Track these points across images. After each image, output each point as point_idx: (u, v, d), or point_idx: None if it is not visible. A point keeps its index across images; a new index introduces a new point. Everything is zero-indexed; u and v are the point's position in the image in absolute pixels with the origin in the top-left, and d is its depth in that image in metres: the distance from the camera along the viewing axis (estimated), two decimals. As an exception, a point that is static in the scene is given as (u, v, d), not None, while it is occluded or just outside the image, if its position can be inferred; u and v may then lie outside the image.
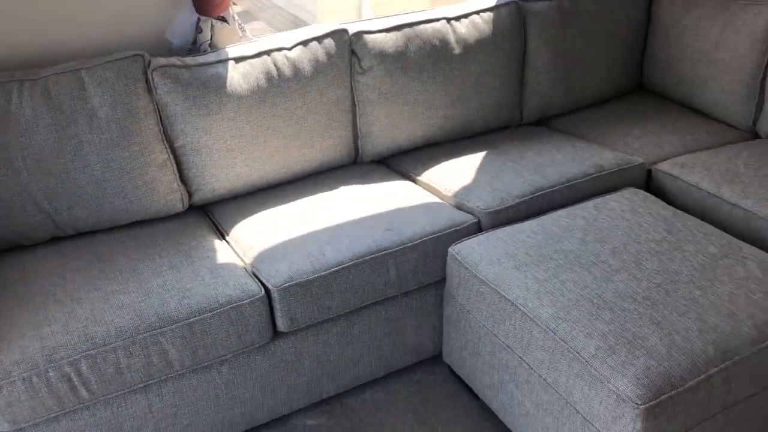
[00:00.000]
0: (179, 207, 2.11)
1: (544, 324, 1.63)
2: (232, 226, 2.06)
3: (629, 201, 2.07)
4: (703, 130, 2.57)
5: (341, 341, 1.97)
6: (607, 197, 2.11)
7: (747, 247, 1.83)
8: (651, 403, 1.41)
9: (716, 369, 1.49)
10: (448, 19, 2.42)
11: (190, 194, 2.14)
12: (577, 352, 1.54)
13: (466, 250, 1.91)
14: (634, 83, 2.92)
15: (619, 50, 2.75)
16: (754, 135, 2.57)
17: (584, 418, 1.55)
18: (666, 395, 1.43)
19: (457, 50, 2.39)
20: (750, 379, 1.55)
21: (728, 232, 2.12)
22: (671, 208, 2.04)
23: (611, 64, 2.75)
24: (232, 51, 2.15)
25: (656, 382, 1.43)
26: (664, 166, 2.33)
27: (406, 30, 2.34)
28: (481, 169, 2.28)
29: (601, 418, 1.50)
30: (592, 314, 1.60)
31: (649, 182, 2.38)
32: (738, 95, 2.53)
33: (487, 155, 2.38)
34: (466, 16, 2.45)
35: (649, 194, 2.14)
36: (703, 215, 2.19)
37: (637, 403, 1.41)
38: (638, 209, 2.02)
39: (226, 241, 2.03)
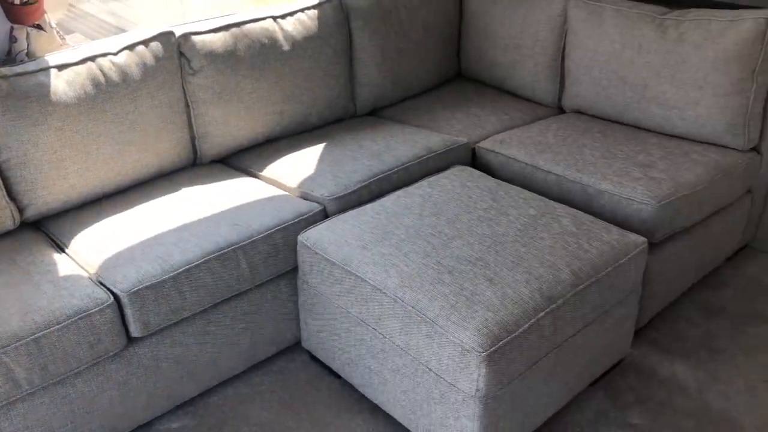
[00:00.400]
0: (10, 225, 2.01)
1: (393, 293, 1.74)
2: (71, 238, 2.00)
3: (458, 177, 2.25)
4: (517, 109, 2.83)
5: (199, 340, 1.97)
6: (439, 176, 2.28)
7: (561, 207, 2.07)
8: (491, 350, 1.57)
9: (543, 313, 1.68)
10: (275, 18, 2.48)
11: (21, 210, 2.04)
12: (424, 314, 1.67)
13: (314, 236, 1.99)
14: (455, 71, 3.14)
15: (437, 41, 2.96)
16: (560, 110, 2.88)
17: (436, 375, 1.69)
18: (503, 341, 1.59)
19: (285, 47, 2.46)
20: (572, 320, 1.76)
21: (545, 195, 2.37)
22: (495, 179, 2.25)
23: (432, 55, 2.95)
24: (54, 59, 2.07)
25: (494, 330, 1.59)
26: (486, 144, 2.54)
27: (234, 30, 2.37)
28: (322, 159, 2.37)
29: (450, 371, 1.64)
30: (434, 279, 1.74)
31: (475, 159, 2.59)
32: (543, 76, 2.82)
33: (326, 147, 2.48)
34: (292, 14, 2.53)
35: (475, 170, 2.33)
36: (523, 183, 2.43)
37: (479, 351, 1.56)
38: (467, 184, 2.20)
39: (67, 254, 1.96)
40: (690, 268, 2.36)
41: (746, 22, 2.28)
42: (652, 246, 2.14)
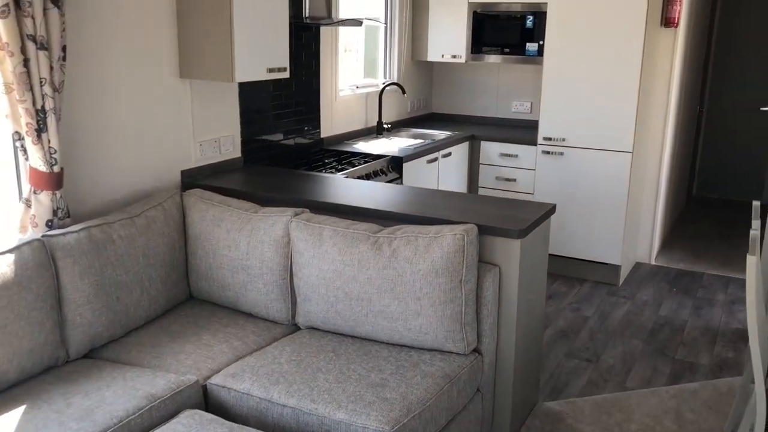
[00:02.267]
0: None
1: None
2: None
3: (185, 426, 2.05)
4: (252, 332, 2.74)
5: None
6: (165, 427, 2.06)
7: (296, 449, 1.95)
8: None
9: None
10: (-42, 268, 2.18)
11: None
12: None
13: None
14: (185, 295, 3.00)
15: (161, 268, 2.82)
16: (296, 327, 2.84)
17: None
18: None
19: (-29, 301, 2.15)
20: None
21: (283, 430, 2.23)
22: (228, 423, 2.08)
23: (156, 283, 2.80)
24: None
25: None
26: (218, 380, 2.39)
27: None
28: (19, 430, 2.02)
29: None
30: None
31: (207, 398, 2.40)
32: (274, 295, 2.79)
33: (26, 410, 2.13)
34: (-20, 261, 2.24)
35: (205, 413, 2.15)
36: (259, 420, 2.28)
37: None
38: (194, 435, 2.00)
39: None
40: (436, 481, 2.33)
41: (446, 237, 2.49)
42: (394, 472, 2.09)
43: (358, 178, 3.74)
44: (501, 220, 2.70)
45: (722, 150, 7.01)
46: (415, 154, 4.23)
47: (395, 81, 5.06)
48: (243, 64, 3.10)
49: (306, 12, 3.66)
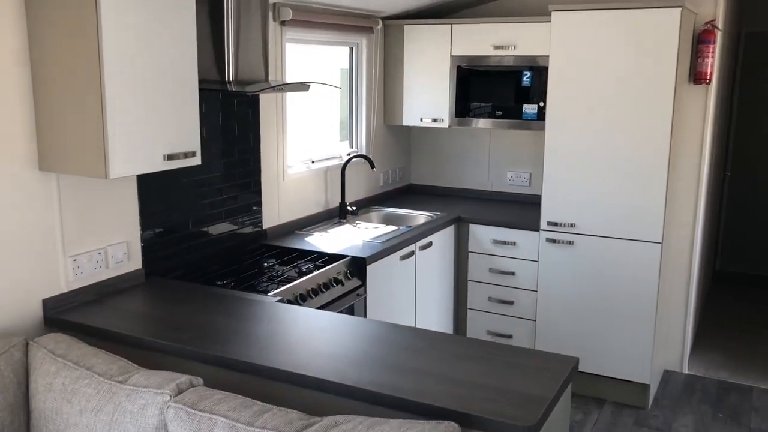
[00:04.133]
0: None
1: None
2: None
3: None
4: None
5: None
6: None
7: None
8: None
9: None
10: None
11: None
12: None
13: None
14: (24, 500, 1.98)
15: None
16: None
17: None
18: None
19: None
20: None
21: None
22: None
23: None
24: None
25: None
26: None
27: None
28: None
29: None
30: None
31: None
32: None
33: None
34: None
35: None
36: None
37: None
38: None
39: None
40: None
41: None
42: None
43: (305, 293, 2.76)
44: (498, 402, 1.72)
45: (747, 218, 6.08)
46: (384, 251, 3.26)
47: (362, 153, 4.12)
48: (124, 152, 2.15)
49: (230, 74, 2.73)
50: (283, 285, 2.71)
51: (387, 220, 4.07)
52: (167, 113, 2.29)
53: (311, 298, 2.78)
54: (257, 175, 3.30)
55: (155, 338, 2.15)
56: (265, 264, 3.01)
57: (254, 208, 3.29)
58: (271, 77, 3.21)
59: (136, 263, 2.67)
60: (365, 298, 3.14)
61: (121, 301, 2.48)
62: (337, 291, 2.95)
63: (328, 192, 3.88)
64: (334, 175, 3.91)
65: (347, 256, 3.11)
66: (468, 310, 4.11)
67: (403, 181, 4.71)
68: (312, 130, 3.86)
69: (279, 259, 3.08)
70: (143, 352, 2.16)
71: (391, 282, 3.38)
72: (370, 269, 3.16)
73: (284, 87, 2.81)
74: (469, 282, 4.08)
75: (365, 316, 3.16)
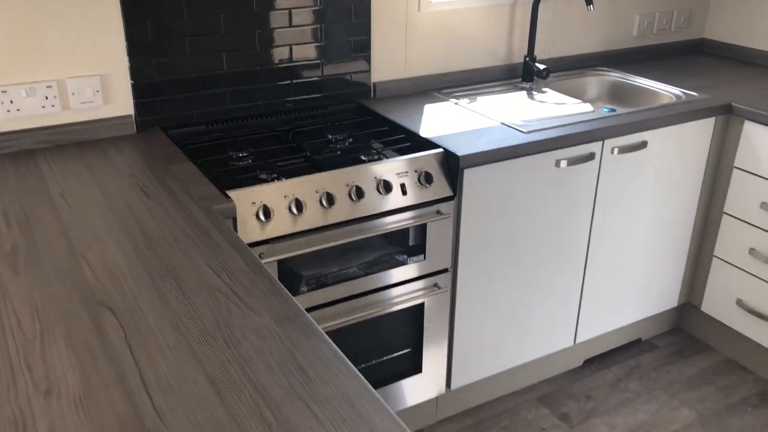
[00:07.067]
0: None
1: None
2: None
3: None
4: None
5: None
6: None
7: None
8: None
9: None
10: None
11: None
12: None
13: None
14: None
15: None
16: None
17: None
18: None
19: None
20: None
21: None
22: None
23: None
24: None
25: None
26: None
27: None
28: None
29: None
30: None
31: None
32: None
33: None
34: None
35: None
36: None
37: None
38: None
39: None
40: None
41: None
42: None
43: (356, 196, 1.74)
44: None
45: None
46: (525, 146, 1.97)
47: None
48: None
49: None
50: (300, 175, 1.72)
51: (607, 93, 2.60)
52: None
53: (324, 207, 1.74)
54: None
55: None
56: (332, 135, 2.02)
57: (356, 53, 2.23)
58: None
59: (120, 106, 1.94)
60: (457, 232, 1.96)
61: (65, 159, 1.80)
62: (412, 197, 1.83)
63: (512, 39, 2.55)
64: (523, 12, 2.55)
65: (441, 150, 1.91)
66: (713, 259, 2.54)
67: (689, 33, 3.00)
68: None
69: (349, 134, 2.04)
70: None
71: (525, 200, 2.07)
72: (468, 174, 1.92)
73: None
74: (724, 217, 2.47)
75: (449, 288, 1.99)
